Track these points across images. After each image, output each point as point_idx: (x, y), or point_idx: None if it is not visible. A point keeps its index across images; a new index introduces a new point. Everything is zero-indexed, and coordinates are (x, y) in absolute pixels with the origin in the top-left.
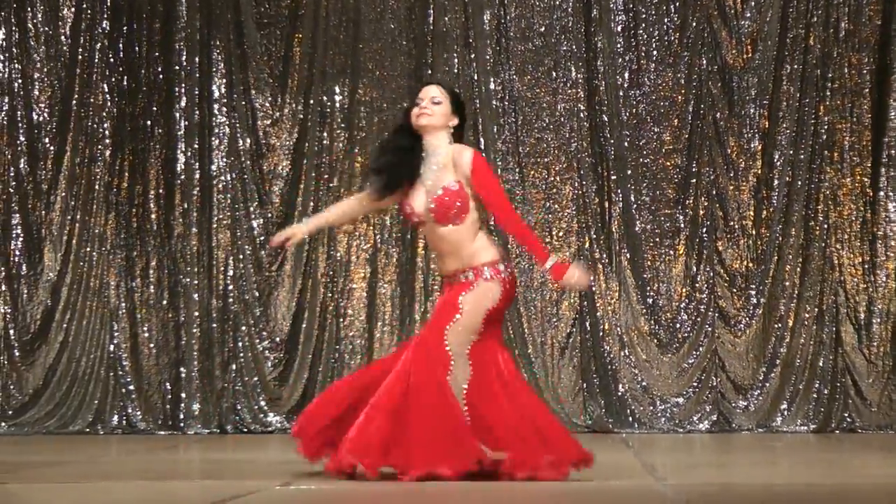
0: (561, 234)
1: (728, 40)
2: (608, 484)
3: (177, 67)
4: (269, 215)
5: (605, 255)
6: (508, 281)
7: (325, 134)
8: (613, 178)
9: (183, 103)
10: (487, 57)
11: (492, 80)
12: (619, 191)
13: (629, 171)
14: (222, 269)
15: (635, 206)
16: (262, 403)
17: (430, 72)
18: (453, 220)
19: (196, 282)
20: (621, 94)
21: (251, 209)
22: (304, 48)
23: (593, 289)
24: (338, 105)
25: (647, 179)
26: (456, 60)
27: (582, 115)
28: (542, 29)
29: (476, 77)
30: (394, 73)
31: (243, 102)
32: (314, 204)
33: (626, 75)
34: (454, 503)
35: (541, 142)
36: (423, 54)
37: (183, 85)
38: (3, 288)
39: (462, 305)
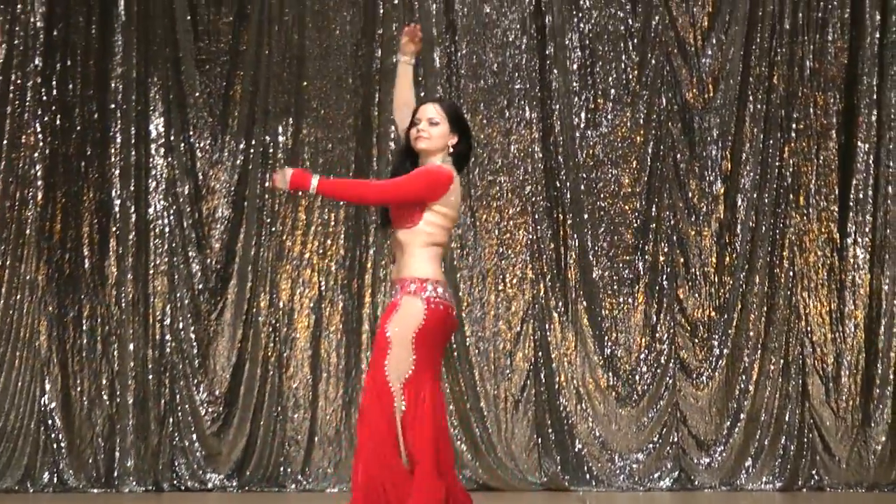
0: (515, 280)
1: (688, 79)
2: None
3: (112, 106)
4: (209, 261)
5: (560, 304)
6: (434, 302)
7: (267, 176)
8: (569, 222)
9: (119, 143)
10: (438, 95)
11: None
12: (575, 236)
13: (586, 216)
14: (159, 317)
15: (592, 251)
16: (201, 459)
17: (377, 112)
18: (403, 222)
19: (131, 331)
20: (577, 134)
21: (190, 255)
22: (245, 86)
23: (549, 338)
24: (281, 145)
25: (605, 224)
26: None
27: (536, 156)
28: (495, 67)
29: None
30: (339, 111)
31: (182, 143)
32: (256, 249)
33: (583, 115)
34: None
35: (493, 184)
36: (370, 92)
37: (119, 124)
38: None
39: (389, 337)
